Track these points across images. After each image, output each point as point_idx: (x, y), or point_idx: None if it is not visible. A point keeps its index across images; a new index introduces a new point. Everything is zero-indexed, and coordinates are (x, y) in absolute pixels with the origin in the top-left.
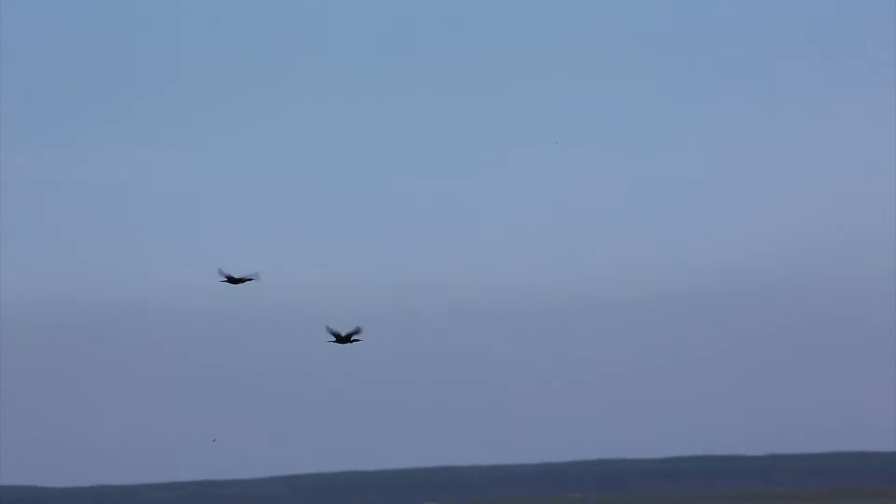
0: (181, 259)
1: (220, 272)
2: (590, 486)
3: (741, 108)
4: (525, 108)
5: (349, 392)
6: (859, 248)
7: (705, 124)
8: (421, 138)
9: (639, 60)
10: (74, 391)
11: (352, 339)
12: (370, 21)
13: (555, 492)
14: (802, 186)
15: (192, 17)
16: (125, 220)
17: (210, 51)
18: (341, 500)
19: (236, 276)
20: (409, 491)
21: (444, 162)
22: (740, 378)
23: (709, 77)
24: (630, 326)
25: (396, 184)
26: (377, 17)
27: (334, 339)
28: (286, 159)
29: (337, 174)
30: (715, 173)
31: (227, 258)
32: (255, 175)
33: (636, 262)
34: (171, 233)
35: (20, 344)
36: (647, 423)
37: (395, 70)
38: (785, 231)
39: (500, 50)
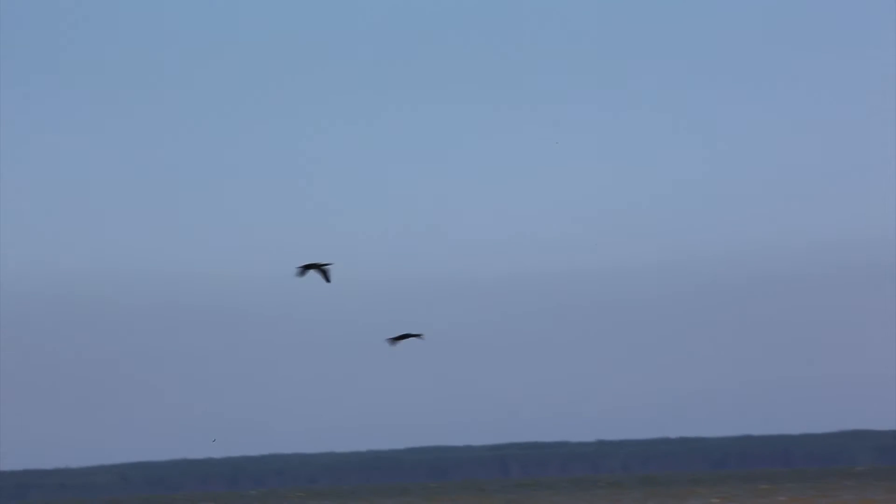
0: None
1: (298, 267)
2: (418, 474)
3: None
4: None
5: (176, 382)
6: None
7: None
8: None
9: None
10: None
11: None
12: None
13: (380, 479)
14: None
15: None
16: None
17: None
18: (170, 487)
19: (318, 262)
20: (237, 478)
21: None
22: (567, 365)
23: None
24: (438, 311)
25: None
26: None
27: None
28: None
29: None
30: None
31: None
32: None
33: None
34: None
35: None
36: (474, 410)
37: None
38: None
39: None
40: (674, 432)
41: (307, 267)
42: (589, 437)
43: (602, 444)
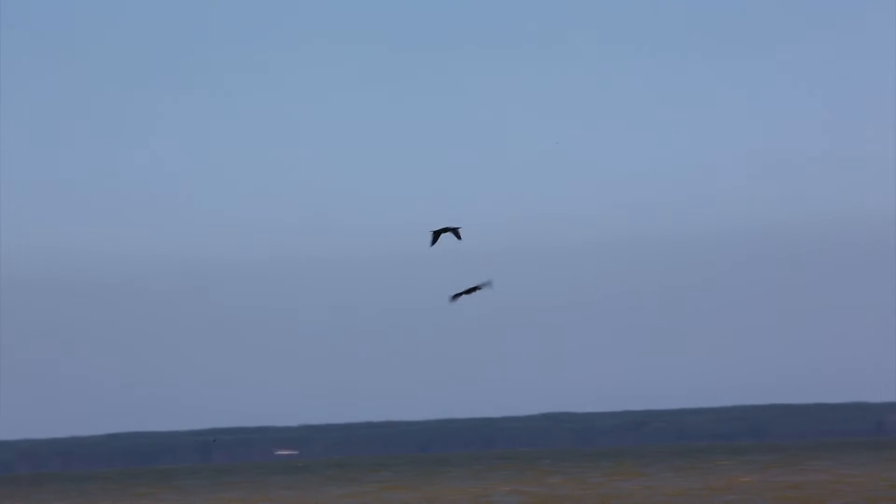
0: None
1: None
2: (118, 460)
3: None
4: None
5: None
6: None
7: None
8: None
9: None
10: None
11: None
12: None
13: (80, 465)
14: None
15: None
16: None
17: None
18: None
19: (448, 226)
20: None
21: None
22: (272, 350)
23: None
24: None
25: None
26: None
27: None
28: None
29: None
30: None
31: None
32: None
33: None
34: None
35: None
36: (177, 395)
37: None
38: None
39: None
40: (377, 416)
41: (441, 231)
42: (293, 421)
43: (307, 429)
